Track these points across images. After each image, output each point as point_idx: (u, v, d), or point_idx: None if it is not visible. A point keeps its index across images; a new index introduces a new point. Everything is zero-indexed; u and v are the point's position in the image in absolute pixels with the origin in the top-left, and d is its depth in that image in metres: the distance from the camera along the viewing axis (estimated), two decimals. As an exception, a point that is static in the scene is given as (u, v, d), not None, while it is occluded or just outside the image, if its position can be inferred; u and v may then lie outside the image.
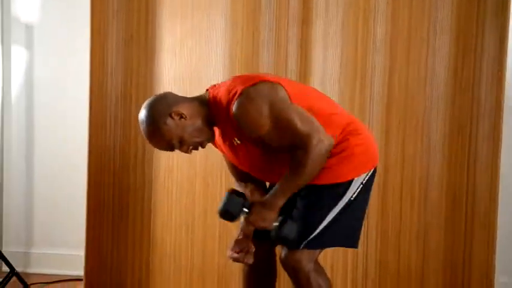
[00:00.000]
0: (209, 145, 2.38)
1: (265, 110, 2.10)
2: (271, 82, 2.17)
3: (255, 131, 2.14)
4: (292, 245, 2.25)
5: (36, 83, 3.88)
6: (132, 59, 3.51)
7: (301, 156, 2.11)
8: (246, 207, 2.22)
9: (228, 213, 2.24)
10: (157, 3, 3.48)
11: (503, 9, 3.07)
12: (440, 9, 3.19)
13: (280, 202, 2.18)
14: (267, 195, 2.26)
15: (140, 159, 3.60)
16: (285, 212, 2.27)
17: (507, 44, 3.07)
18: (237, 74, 3.22)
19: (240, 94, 2.10)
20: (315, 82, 3.23)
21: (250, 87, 2.12)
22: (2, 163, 3.82)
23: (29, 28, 3.84)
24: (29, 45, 3.85)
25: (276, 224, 2.19)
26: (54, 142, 3.89)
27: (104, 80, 3.49)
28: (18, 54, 3.86)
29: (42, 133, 3.90)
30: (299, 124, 2.11)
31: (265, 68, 3.28)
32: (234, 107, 2.11)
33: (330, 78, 3.23)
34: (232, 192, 2.27)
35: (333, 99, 3.02)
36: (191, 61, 3.43)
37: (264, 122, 2.12)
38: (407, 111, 3.23)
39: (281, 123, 2.12)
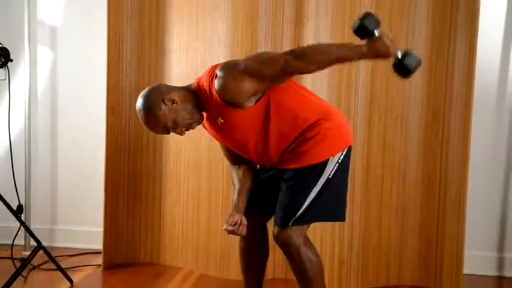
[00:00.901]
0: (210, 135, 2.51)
1: (239, 75, 2.16)
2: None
3: (241, 97, 2.20)
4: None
5: (59, 79, 3.95)
6: (144, 58, 3.61)
7: (296, 68, 2.15)
8: (378, 28, 2.11)
9: (362, 28, 2.13)
10: (166, 9, 3.56)
11: (473, 15, 3.14)
12: (418, 14, 3.24)
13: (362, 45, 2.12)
14: (364, 44, 2.14)
15: (152, 146, 3.68)
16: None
17: (476, 45, 3.14)
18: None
19: (217, 73, 2.20)
20: (306, 79, 3.23)
21: (222, 66, 2.23)
22: (30, 150, 3.84)
23: (53, 30, 3.91)
24: (53, 46, 3.92)
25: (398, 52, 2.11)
26: (75, 131, 3.96)
27: (119, 77, 3.57)
28: (44, 54, 3.93)
29: (64, 124, 3.98)
30: (271, 67, 2.16)
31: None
32: (215, 86, 2.20)
33: (319, 76, 3.22)
34: (371, 14, 2.14)
35: (322, 94, 3.10)
36: (196, 60, 3.47)
37: (244, 84, 2.17)
38: (387, 105, 3.28)
39: (260, 74, 2.16)
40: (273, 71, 2.17)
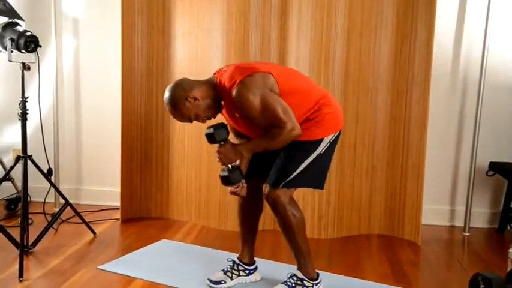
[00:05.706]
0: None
1: (257, 98, 2.17)
2: (264, 72, 2.23)
3: (248, 112, 2.21)
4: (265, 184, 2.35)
5: (81, 62, 3.95)
6: (153, 44, 3.60)
7: (276, 133, 2.20)
8: (223, 141, 2.27)
9: (211, 136, 2.28)
10: (171, 1, 3.52)
11: (431, 7, 3.17)
12: (385, 6, 3.26)
13: (246, 153, 2.28)
14: (241, 144, 2.32)
15: (160, 119, 3.68)
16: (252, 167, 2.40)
17: (433, 33, 3.17)
18: (232, 55, 3.27)
19: (239, 82, 2.18)
20: (291, 61, 3.28)
21: (246, 77, 2.19)
22: (57, 123, 3.89)
23: (75, 21, 3.92)
24: (75, 34, 3.93)
25: (229, 166, 2.28)
26: (95, 106, 3.97)
27: (132, 60, 3.57)
28: (67, 41, 3.93)
29: (86, 100, 3.99)
30: (281, 114, 2.18)
31: (253, 50, 3.33)
32: (234, 92, 2.19)
33: (302, 58, 3.28)
34: (224, 126, 2.30)
35: (305, 71, 3.09)
36: (197, 46, 3.48)
37: (255, 107, 2.17)
38: (360, 82, 3.31)
39: (268, 110, 2.19)
40: (276, 110, 2.17)
